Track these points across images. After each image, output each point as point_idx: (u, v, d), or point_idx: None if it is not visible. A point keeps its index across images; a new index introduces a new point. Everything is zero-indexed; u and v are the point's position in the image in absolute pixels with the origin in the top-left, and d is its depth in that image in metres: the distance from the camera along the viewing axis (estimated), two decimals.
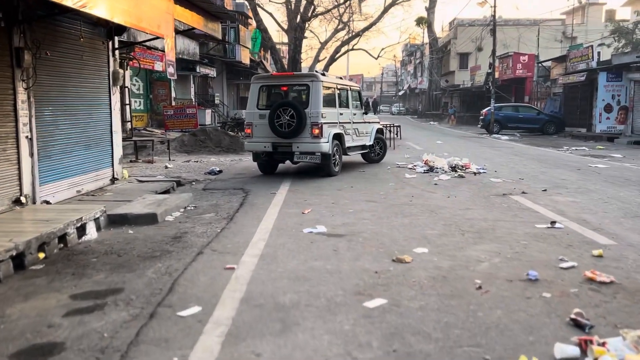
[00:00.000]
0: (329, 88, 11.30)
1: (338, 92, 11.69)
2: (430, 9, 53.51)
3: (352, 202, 8.28)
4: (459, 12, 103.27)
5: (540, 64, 34.04)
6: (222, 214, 7.65)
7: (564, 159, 15.66)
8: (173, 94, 25.30)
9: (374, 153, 13.83)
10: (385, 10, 43.29)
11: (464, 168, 12.07)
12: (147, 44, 20.74)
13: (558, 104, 32.21)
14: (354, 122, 12.34)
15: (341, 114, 11.71)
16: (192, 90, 27.92)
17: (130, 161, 14.87)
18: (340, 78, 12.41)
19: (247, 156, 15.52)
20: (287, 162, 11.73)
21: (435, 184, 10.14)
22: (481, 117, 30.51)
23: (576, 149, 19.14)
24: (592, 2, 53.53)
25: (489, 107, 30.30)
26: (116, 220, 7.21)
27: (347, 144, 11.88)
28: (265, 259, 5.23)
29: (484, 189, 9.63)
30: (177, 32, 25.73)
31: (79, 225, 6.41)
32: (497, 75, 42.88)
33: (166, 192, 9.84)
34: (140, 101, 24.07)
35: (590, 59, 25.54)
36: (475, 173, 11.62)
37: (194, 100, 27.76)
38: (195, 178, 11.41)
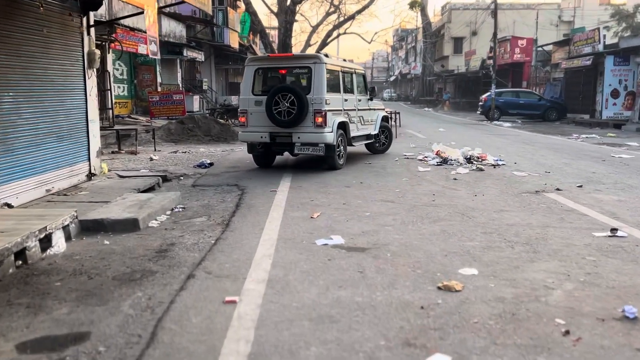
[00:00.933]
0: (332, 71, 10.11)
1: (342, 76, 10.51)
2: None
3: (367, 203, 7.15)
4: None
5: (540, 48, 32.96)
6: (216, 217, 6.50)
7: (580, 148, 14.62)
8: (159, 79, 23.94)
9: (379, 143, 12.69)
10: None
11: (480, 160, 10.98)
12: (130, 24, 19.40)
13: (558, 89, 31.22)
14: (359, 110, 11.18)
15: (346, 100, 10.54)
16: (179, 75, 26.56)
17: (112, 152, 13.63)
18: (344, 60, 11.21)
19: (240, 146, 14.33)
20: (286, 153, 10.55)
21: (455, 179, 9.03)
22: (480, 103, 29.44)
23: (587, 137, 18.13)
24: None
25: (488, 93, 29.22)
26: (90, 227, 6.04)
27: (352, 134, 10.73)
28: (274, 286, 4.09)
29: (510, 184, 8.54)
30: (162, 12, 24.35)
31: (42, 236, 5.23)
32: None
33: (151, 189, 8.69)
34: (123, 87, 22.72)
35: (596, 42, 24.49)
36: (494, 165, 10.53)
37: (181, 85, 26.40)
38: (183, 172, 10.22)
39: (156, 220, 6.55)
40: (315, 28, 46.58)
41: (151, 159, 12.10)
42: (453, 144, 14.79)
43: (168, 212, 6.97)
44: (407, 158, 11.85)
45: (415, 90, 60.88)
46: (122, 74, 22.52)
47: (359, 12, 42.83)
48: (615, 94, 23.67)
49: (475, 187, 8.28)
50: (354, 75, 11.14)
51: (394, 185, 8.50)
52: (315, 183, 8.73)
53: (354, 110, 10.94)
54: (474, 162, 10.83)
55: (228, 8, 33.68)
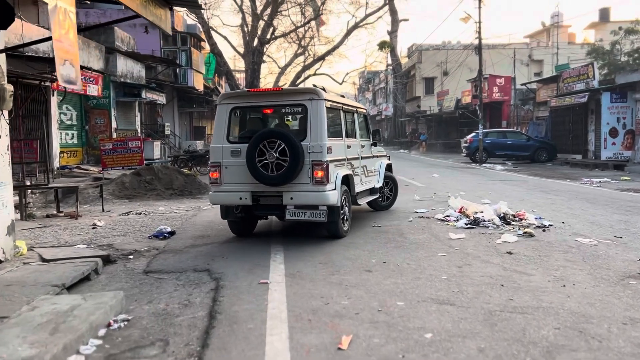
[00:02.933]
0: (333, 110, 7.73)
1: (344, 115, 8.13)
2: (393, 32, 51.30)
3: (413, 307, 4.63)
4: (427, 38, 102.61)
5: (523, 86, 31.58)
6: (178, 347, 3.90)
7: (613, 196, 12.49)
8: (114, 124, 21.26)
9: (383, 197, 10.26)
10: (348, 33, 40.59)
11: (519, 219, 8.65)
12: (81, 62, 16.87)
13: (543, 128, 29.72)
14: (362, 158, 8.79)
15: (349, 147, 8.14)
16: (138, 119, 23.91)
17: (47, 216, 10.84)
18: (342, 96, 8.86)
19: (208, 202, 11.71)
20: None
21: (510, 253, 6.61)
22: (465, 145, 27.57)
23: (600, 181, 16.15)
24: (557, 24, 52.34)
25: (473, 134, 27.42)
26: None
27: (357, 189, 8.30)
28: None
29: (592, 261, 6.17)
30: (118, 51, 21.88)
31: None
32: (469, 100, 40.59)
33: (85, 279, 6.08)
34: (72, 133, 19.94)
35: (590, 78, 22.98)
36: (541, 228, 8.19)
37: (139, 131, 23.73)
38: (134, 247, 7.56)
39: (79, 354, 3.94)
40: (283, 69, 44.81)
41: (94, 226, 9.38)
42: (462, 194, 12.50)
43: (102, 332, 4.37)
44: (423, 217, 9.43)
45: (387, 131, 59.39)
46: (70, 118, 19.78)
47: (329, 53, 41.33)
48: (613, 133, 22.07)
49: (549, 268, 5.87)
50: (355, 115, 8.79)
51: (431, 266, 6.03)
52: (320, 264, 6.19)
53: (357, 159, 8.55)
54: (512, 222, 8.50)
55: (192, 48, 31.48)
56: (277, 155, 6.95)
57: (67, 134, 19.51)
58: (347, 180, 7.78)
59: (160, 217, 10.40)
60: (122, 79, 21.37)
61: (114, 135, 20.90)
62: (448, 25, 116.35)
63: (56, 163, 17.55)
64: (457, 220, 8.83)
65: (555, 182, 16.33)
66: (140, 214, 10.95)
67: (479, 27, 26.13)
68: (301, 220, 7.24)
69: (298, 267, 6.10)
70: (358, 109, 9.01)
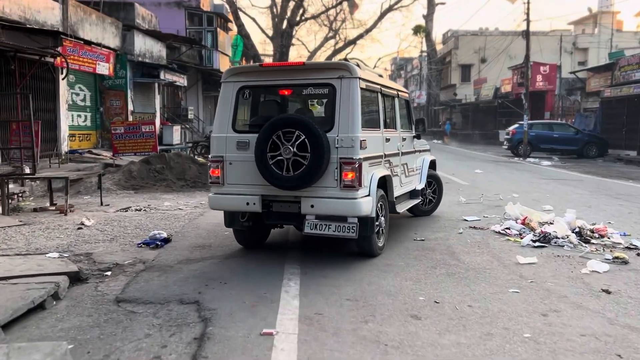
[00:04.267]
0: (370, 93, 6.01)
1: (382, 100, 6.41)
2: (428, 16, 48.90)
3: None
4: (466, 21, 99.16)
5: (573, 75, 29.21)
6: None
7: None
8: (130, 107, 19.86)
9: (424, 201, 8.52)
10: (382, 15, 38.47)
11: (598, 235, 6.85)
12: (89, 37, 15.46)
13: (592, 121, 27.40)
14: (402, 154, 7.07)
15: (387, 140, 6.43)
16: (158, 101, 22.49)
17: (35, 210, 9.43)
18: (380, 76, 7.13)
19: None
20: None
21: (607, 292, 4.84)
22: (507, 137, 25.47)
23: None
24: (604, 10, 49.22)
25: (517, 125, 25.29)
26: None
27: (396, 192, 6.60)
28: None
29: None
30: (137, 29, 20.45)
31: None
32: (509, 88, 38.21)
33: (38, 306, 4.62)
34: (85, 115, 18.60)
35: None
36: (635, 251, 6.37)
37: (158, 114, 22.33)
38: (114, 260, 6.02)
39: None
40: (313, 53, 42.95)
41: (81, 226, 7.91)
42: (515, 196, 10.70)
43: None
44: (475, 228, 7.68)
45: None
46: (83, 99, 18.43)
47: (361, 36, 39.32)
48: None
49: None
50: (396, 100, 7.06)
51: (503, 311, 4.32)
52: (347, 302, 4.55)
53: (397, 155, 6.83)
54: (591, 239, 6.70)
55: (218, 29, 29.96)
56: (295, 150, 5.30)
57: (79, 115, 18.18)
58: (384, 183, 6.09)
59: (161, 215, 8.88)
60: (139, 59, 19.94)
61: (130, 118, 19.52)
62: (486, 12, 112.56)
63: (64, 147, 16.24)
64: (520, 234, 7.07)
65: (616, 182, 14.31)
66: (140, 210, 9.45)
67: (527, 7, 23.92)
68: (324, 235, 5.58)
69: (318, 306, 4.46)
70: (400, 93, 7.28)
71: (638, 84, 20.80)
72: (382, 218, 6.08)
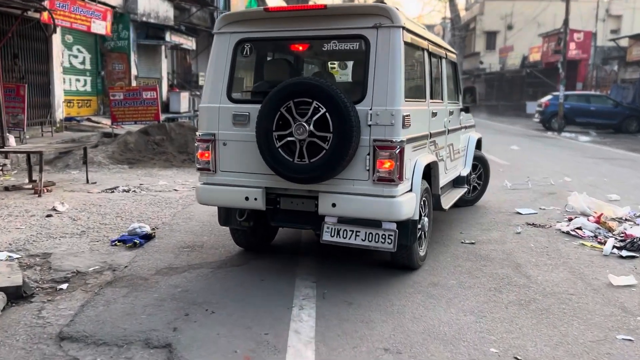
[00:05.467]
0: (414, 49, 4.44)
1: (429, 61, 4.83)
2: None
3: None
4: None
5: (613, 42, 27.04)
6: None
7: None
8: (134, 71, 18.37)
9: (469, 188, 6.94)
10: None
11: None
12: None
13: (630, 93, 25.33)
14: (449, 132, 5.53)
15: (434, 114, 4.90)
16: (164, 66, 20.97)
17: (7, 189, 8.06)
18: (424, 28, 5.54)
19: None
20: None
21: None
22: (538, 109, 23.60)
23: None
24: None
25: (550, 96, 23.39)
26: None
27: (441, 182, 5.07)
28: None
29: None
30: None
31: None
32: (539, 57, 36.03)
33: None
34: (85, 79, 17.18)
35: None
36: None
37: (165, 79, 20.84)
38: (76, 267, 4.63)
39: None
40: None
41: (51, 212, 6.52)
42: (568, 179, 9.17)
43: None
44: (535, 225, 6.15)
45: None
46: (82, 62, 16.98)
47: None
48: None
49: None
50: (444, 62, 5.48)
51: None
52: (382, 352, 3.10)
53: (444, 133, 5.29)
54: None
55: None
56: (312, 128, 3.81)
57: (78, 80, 16.76)
58: (428, 172, 4.57)
59: (151, 199, 7.47)
60: (144, 19, 18.35)
61: (134, 83, 18.05)
62: None
63: (59, 114, 14.89)
64: (596, 237, 5.55)
65: None
66: (128, 191, 8.05)
67: None
68: (349, 245, 4.10)
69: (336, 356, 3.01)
70: (448, 53, 5.69)
71: None
72: (425, 218, 4.58)
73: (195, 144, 4.41)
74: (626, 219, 6.32)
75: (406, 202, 3.96)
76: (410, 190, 4.11)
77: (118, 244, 5.30)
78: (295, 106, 3.87)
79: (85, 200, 7.33)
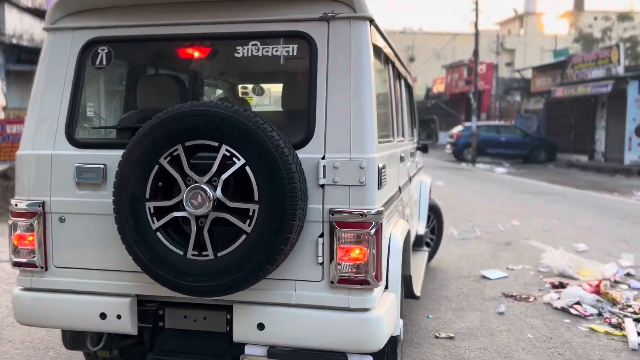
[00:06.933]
0: (381, 59, 2.83)
1: (395, 79, 3.26)
2: None
3: None
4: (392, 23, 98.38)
5: (518, 73, 27.48)
6: None
7: None
8: (1, 102, 15.59)
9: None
10: None
11: None
12: None
13: (534, 123, 25.76)
14: (409, 180, 3.96)
15: (402, 158, 3.32)
16: None
17: None
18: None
19: None
20: None
21: None
22: (450, 140, 23.17)
23: None
24: (529, 12, 48.90)
25: (461, 127, 23.07)
26: None
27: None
28: None
29: None
30: (10, 3, 16.21)
31: None
32: (442, 88, 36.53)
33: None
34: None
35: (614, 64, 18.86)
36: None
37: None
38: None
39: None
40: None
41: None
42: (516, 224, 8.01)
43: None
44: (516, 298, 4.70)
45: None
46: None
47: None
48: None
49: None
50: (403, 83, 3.94)
51: None
52: None
53: (407, 184, 3.72)
54: None
55: None
56: (220, 194, 2.06)
57: None
58: (405, 249, 2.92)
59: None
60: (13, 40, 15.72)
61: (2, 115, 15.28)
62: (410, 12, 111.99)
63: None
64: (601, 314, 4.19)
65: (601, 196, 12.02)
66: None
67: (476, 3, 21.69)
68: None
69: None
70: (406, 70, 4.16)
71: (597, 83, 18.94)
72: (401, 321, 2.92)
73: (9, 221, 2.50)
74: (616, 281, 5.08)
75: (386, 315, 2.30)
76: (387, 288, 2.46)
77: None
78: (188, 154, 2.12)
79: None
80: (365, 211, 2.18)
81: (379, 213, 2.21)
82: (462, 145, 22.17)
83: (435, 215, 5.70)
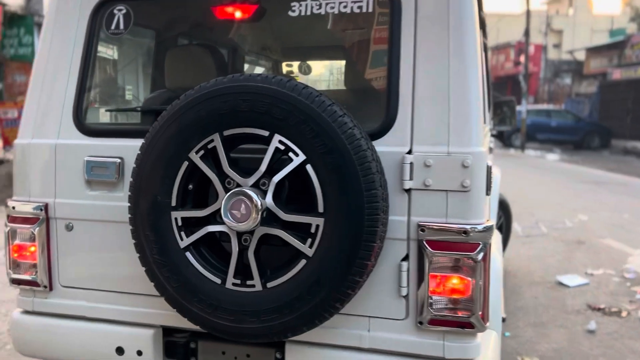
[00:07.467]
0: (479, 22, 2.18)
1: (483, 49, 2.63)
2: None
3: None
4: None
5: (569, 55, 26.13)
6: None
7: None
8: None
9: None
10: None
11: None
12: None
13: (587, 107, 24.41)
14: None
15: (491, 150, 2.68)
16: None
17: None
18: None
19: None
20: None
21: None
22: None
23: None
24: None
25: None
26: None
27: None
28: None
29: None
30: None
31: None
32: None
33: None
34: None
35: None
36: None
37: None
38: None
39: None
40: None
41: None
42: (584, 219, 7.21)
43: None
44: (605, 312, 4.02)
45: None
46: None
47: None
48: None
49: None
50: (487, 54, 3.28)
51: None
52: None
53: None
54: None
55: None
56: (271, 201, 1.48)
57: None
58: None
59: None
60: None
61: None
62: None
63: None
64: None
65: None
66: None
67: None
68: None
69: None
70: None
71: None
72: None
73: (6, 228, 2.00)
74: None
75: None
76: (492, 330, 1.86)
77: None
78: (228, 147, 1.56)
79: None
80: (469, 227, 1.58)
81: (487, 230, 1.61)
82: (511, 131, 21.11)
83: (504, 212, 5.03)
